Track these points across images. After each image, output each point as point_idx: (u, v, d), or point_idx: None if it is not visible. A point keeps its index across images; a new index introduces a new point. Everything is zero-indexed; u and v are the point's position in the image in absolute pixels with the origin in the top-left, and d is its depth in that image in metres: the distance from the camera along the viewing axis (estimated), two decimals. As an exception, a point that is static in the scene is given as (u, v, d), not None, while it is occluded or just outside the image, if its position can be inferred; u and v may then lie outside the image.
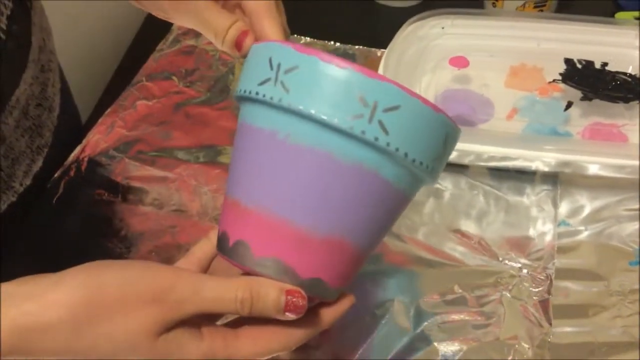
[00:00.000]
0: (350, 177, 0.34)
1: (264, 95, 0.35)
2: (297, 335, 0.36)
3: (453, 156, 0.61)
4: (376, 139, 0.34)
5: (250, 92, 0.35)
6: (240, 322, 0.36)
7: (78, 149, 0.66)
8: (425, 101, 0.35)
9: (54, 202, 0.62)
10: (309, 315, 0.36)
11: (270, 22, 0.39)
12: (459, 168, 0.63)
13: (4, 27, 0.45)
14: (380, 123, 0.34)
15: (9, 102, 0.46)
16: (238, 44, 0.39)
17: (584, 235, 0.57)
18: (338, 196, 0.35)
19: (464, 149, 0.61)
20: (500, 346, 0.50)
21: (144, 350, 0.32)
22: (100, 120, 0.68)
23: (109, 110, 0.69)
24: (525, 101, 0.67)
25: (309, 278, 0.35)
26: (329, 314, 0.37)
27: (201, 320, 0.34)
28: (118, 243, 0.60)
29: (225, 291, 0.33)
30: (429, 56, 0.70)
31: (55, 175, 0.64)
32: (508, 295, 0.53)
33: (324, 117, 0.33)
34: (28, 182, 0.51)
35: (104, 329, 0.31)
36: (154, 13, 0.41)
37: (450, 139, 0.37)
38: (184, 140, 0.67)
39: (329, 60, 0.34)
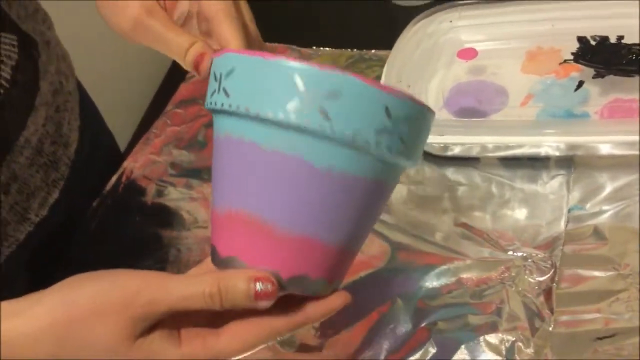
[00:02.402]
0: (304, 174, 0.34)
1: (215, 104, 0.36)
2: (279, 326, 0.36)
3: (460, 150, 0.62)
4: (320, 126, 0.33)
5: (208, 105, 0.37)
6: (224, 318, 0.37)
7: (114, 177, 0.71)
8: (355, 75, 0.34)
9: (92, 228, 0.68)
10: (293, 307, 0.36)
11: (228, 26, 0.40)
12: (470, 161, 0.62)
13: (7, 76, 0.50)
14: (321, 110, 0.33)
15: (17, 143, 0.52)
16: (196, 67, 0.40)
17: (600, 217, 0.54)
18: (301, 194, 0.35)
19: (470, 141, 0.60)
20: (501, 338, 0.49)
21: (122, 355, 0.35)
22: (134, 149, 0.74)
23: (142, 139, 0.74)
24: (541, 85, 0.65)
25: (291, 276, 0.36)
26: (316, 308, 0.37)
27: (181, 323, 0.36)
28: (152, 264, 0.64)
29: (193, 288, 0.34)
30: (440, 52, 0.70)
31: (94, 203, 0.69)
32: (511, 286, 0.52)
33: (262, 114, 0.33)
34: (44, 212, 0.56)
35: (83, 339, 0.34)
36: (118, 34, 0.43)
37: (395, 110, 0.35)
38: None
39: (259, 56, 0.34)
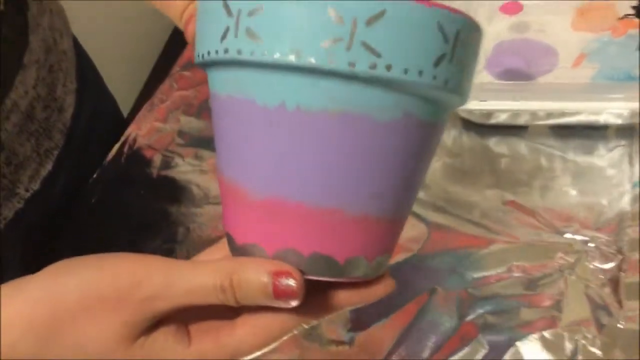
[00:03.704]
0: (355, 131, 0.27)
1: (226, 52, 0.27)
2: (304, 315, 0.30)
3: (506, 117, 0.55)
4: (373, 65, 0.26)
5: (211, 55, 0.28)
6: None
7: (116, 147, 0.65)
8: None
9: (93, 202, 0.61)
10: (321, 291, 0.30)
11: None
12: (516, 131, 0.55)
13: None
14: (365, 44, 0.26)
15: (3, 107, 0.45)
16: (185, 30, 0.34)
17: (667, 197, 0.48)
18: (333, 162, 0.28)
19: (519, 107, 0.53)
20: (561, 335, 0.43)
21: (120, 357, 0.29)
22: (137, 115, 0.67)
23: (146, 104, 0.68)
24: (596, 44, 0.57)
25: (312, 253, 0.29)
26: (345, 298, 0.30)
27: (190, 316, 0.30)
28: (160, 243, 0.58)
29: (201, 279, 0.28)
30: (480, 6, 0.62)
31: (95, 175, 0.63)
32: (571, 274, 0.45)
33: (301, 60, 0.26)
34: (35, 186, 0.49)
35: (71, 340, 0.28)
36: None
37: (450, 31, 0.28)
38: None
39: None
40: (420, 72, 0.26)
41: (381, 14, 0.26)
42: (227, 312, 0.31)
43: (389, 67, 0.26)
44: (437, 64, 0.26)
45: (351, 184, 0.28)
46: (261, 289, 0.28)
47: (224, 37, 0.28)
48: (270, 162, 0.29)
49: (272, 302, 0.28)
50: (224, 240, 0.33)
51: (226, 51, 0.28)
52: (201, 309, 0.30)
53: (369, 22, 0.26)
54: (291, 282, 0.28)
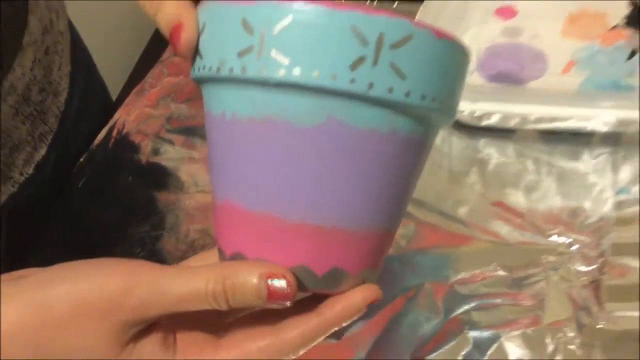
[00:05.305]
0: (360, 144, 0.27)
1: (244, 70, 0.27)
2: (290, 338, 0.29)
3: (497, 120, 0.56)
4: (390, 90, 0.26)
5: (229, 72, 0.27)
6: (230, 315, 0.31)
7: (104, 131, 0.64)
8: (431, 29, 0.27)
9: (79, 186, 0.61)
10: (308, 309, 0.30)
11: None
12: (505, 133, 0.56)
13: None
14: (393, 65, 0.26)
15: (1, 88, 0.45)
16: (173, 41, 0.29)
17: (647, 204, 0.49)
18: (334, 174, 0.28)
19: (510, 110, 0.54)
20: (543, 333, 0.44)
21: None
22: (126, 100, 0.67)
23: (135, 88, 0.67)
24: (585, 52, 0.59)
25: (326, 271, 0.29)
26: (335, 310, 0.30)
27: (179, 323, 0.30)
28: (147, 230, 0.58)
29: (193, 286, 0.28)
30: (474, 7, 0.63)
31: (82, 159, 0.63)
32: (554, 275, 0.46)
33: (321, 81, 0.26)
34: (29, 170, 0.49)
35: (61, 346, 0.29)
36: None
37: (453, 57, 0.29)
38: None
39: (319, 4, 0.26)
40: (334, 75, 0.26)
41: (290, 21, 0.26)
42: (215, 319, 0.31)
43: (301, 72, 0.26)
44: (354, 67, 0.26)
45: (286, 191, 0.28)
46: (255, 292, 0.28)
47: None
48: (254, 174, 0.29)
49: (265, 304, 0.28)
50: (214, 250, 0.33)
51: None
52: (189, 316, 0.30)
53: (277, 29, 0.26)
54: (284, 284, 0.28)
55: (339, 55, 0.26)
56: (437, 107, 0.28)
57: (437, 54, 0.27)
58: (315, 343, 0.31)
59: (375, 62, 0.26)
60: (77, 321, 0.28)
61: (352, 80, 0.26)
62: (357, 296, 0.30)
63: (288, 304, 0.28)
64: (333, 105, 0.27)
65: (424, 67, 0.27)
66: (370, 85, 0.26)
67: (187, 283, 0.28)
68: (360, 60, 0.26)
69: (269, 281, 0.28)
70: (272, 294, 0.28)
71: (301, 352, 0.31)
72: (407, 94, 0.27)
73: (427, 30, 0.27)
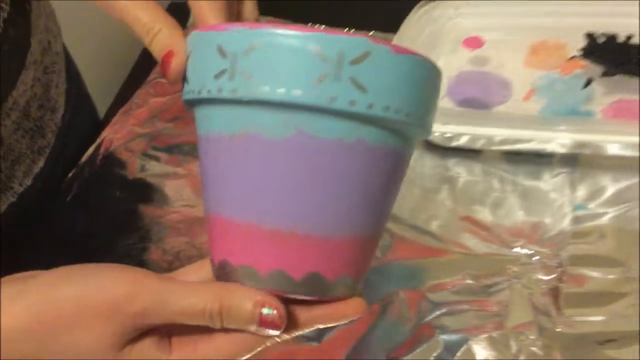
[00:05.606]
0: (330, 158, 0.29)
1: (220, 91, 0.30)
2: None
3: (466, 141, 0.60)
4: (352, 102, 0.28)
5: (203, 94, 0.30)
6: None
7: (92, 148, 0.67)
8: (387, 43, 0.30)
9: (68, 200, 0.63)
10: (299, 308, 0.32)
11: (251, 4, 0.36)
12: (472, 154, 0.60)
13: None
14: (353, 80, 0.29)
15: (5, 104, 0.47)
16: (164, 67, 0.32)
17: (603, 219, 0.54)
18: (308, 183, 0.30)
19: (477, 132, 0.59)
20: (507, 337, 0.48)
21: None
22: (114, 119, 0.69)
23: (122, 108, 0.70)
24: (544, 80, 0.64)
25: (305, 275, 0.31)
26: (325, 313, 0.33)
27: (174, 329, 0.32)
28: (134, 242, 0.61)
29: (193, 301, 0.31)
30: (444, 38, 0.68)
31: (70, 174, 0.65)
32: (517, 283, 0.50)
33: (290, 96, 0.28)
34: (28, 182, 0.52)
35: (65, 344, 0.31)
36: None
37: (418, 71, 0.31)
38: (195, 136, 0.67)
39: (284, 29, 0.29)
40: (299, 91, 0.28)
41: (257, 45, 0.29)
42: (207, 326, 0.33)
43: (270, 90, 0.29)
44: (317, 83, 0.28)
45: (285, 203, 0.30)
46: (248, 316, 0.30)
47: None
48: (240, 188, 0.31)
49: (255, 329, 0.31)
50: (207, 260, 0.35)
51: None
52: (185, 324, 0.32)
53: (247, 52, 0.29)
54: (276, 314, 0.30)
55: (303, 73, 0.29)
56: (404, 119, 0.30)
57: (397, 68, 0.29)
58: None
59: (336, 78, 0.29)
60: (81, 322, 0.30)
61: (316, 95, 0.28)
62: (347, 307, 0.33)
63: (276, 333, 0.31)
64: (301, 118, 0.29)
65: (384, 81, 0.29)
66: (333, 99, 0.28)
67: (188, 297, 0.31)
68: (323, 76, 0.29)
69: (263, 309, 0.30)
70: (264, 320, 0.30)
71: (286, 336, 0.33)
72: (370, 106, 0.29)
73: (385, 46, 0.29)
